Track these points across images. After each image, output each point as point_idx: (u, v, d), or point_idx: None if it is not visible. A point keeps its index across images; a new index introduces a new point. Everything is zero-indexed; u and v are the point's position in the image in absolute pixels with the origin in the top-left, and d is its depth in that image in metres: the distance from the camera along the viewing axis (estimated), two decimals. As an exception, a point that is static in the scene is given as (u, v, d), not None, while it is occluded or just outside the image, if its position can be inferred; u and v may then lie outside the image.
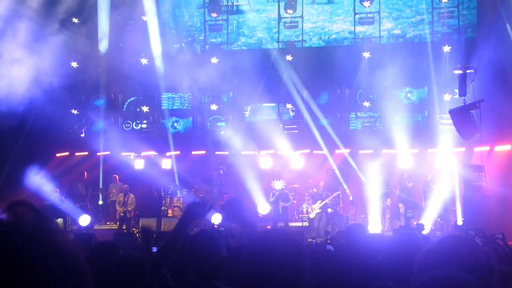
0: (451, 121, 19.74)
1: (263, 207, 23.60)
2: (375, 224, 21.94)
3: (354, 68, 25.90)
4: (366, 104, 26.25)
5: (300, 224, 23.71)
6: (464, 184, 21.98)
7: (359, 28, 26.96)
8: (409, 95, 26.11)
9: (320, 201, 23.05)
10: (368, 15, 26.86)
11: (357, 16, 26.88)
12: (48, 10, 25.49)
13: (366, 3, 26.55)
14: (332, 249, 7.61)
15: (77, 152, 27.41)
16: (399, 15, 26.83)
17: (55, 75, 25.61)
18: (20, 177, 23.66)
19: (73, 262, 1.34)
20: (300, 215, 24.22)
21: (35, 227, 1.32)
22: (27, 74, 23.88)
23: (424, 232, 18.21)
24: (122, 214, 24.15)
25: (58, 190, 24.19)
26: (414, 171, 24.06)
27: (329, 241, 11.77)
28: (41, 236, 1.32)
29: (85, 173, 26.30)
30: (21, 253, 1.28)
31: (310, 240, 20.38)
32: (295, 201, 24.58)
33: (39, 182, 23.72)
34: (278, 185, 23.55)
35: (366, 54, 25.96)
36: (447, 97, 24.97)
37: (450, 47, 24.99)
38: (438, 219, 22.45)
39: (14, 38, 24.22)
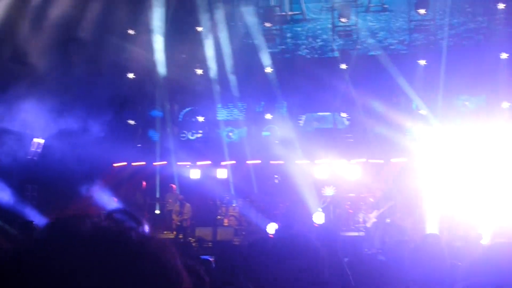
0: None
1: (318, 217, 23.46)
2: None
3: (410, 76, 25.62)
4: (423, 112, 25.93)
5: (356, 233, 23.47)
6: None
7: (414, 36, 26.72)
8: (466, 102, 25.74)
9: (376, 210, 22.79)
10: (424, 23, 26.60)
11: (412, 23, 26.64)
12: (105, 22, 25.87)
13: (421, 11, 26.27)
14: (384, 259, 7.53)
15: (134, 162, 27.66)
16: (455, 22, 26.51)
17: (112, 86, 25.98)
18: (78, 187, 23.98)
19: (172, 268, 1.37)
20: (356, 225, 23.98)
21: (136, 235, 1.35)
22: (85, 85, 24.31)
23: None
24: (178, 223, 24.29)
25: (116, 200, 24.46)
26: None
27: (380, 251, 11.66)
28: (142, 243, 1.35)
29: (143, 183, 26.53)
30: (126, 261, 1.31)
31: (366, 250, 20.19)
32: (351, 211, 24.38)
33: (97, 192, 24.00)
34: (328, 191, 23.40)
35: (422, 62, 25.69)
36: (505, 105, 24.55)
37: (508, 55, 24.58)
38: None
39: (71, 50, 24.68)
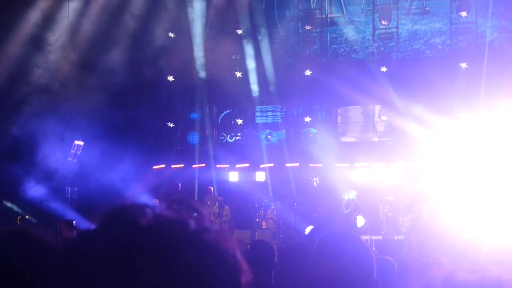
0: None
1: (359, 220, 23.31)
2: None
3: (451, 78, 25.31)
4: (463, 115, 25.61)
5: (395, 237, 23.26)
6: None
7: (456, 38, 26.43)
8: (508, 106, 25.37)
9: (410, 213, 22.50)
10: (466, 25, 26.30)
11: (453, 26, 26.36)
12: (144, 24, 26.04)
13: (463, 13, 25.96)
14: (427, 261, 7.51)
15: (173, 164, 27.76)
16: (497, 23, 26.16)
17: (152, 88, 26.13)
18: (118, 189, 24.12)
19: (231, 257, 1.39)
20: (396, 229, 23.78)
21: (195, 224, 1.37)
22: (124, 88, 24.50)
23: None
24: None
25: (157, 202, 24.54)
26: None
27: (422, 254, 11.56)
28: (201, 233, 1.37)
29: (179, 185, 26.62)
30: (185, 251, 1.33)
31: (406, 253, 20.01)
32: (390, 214, 24.19)
33: (137, 194, 24.12)
34: (350, 195, 23.24)
35: (463, 65, 25.39)
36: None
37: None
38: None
39: (112, 51, 24.90)
